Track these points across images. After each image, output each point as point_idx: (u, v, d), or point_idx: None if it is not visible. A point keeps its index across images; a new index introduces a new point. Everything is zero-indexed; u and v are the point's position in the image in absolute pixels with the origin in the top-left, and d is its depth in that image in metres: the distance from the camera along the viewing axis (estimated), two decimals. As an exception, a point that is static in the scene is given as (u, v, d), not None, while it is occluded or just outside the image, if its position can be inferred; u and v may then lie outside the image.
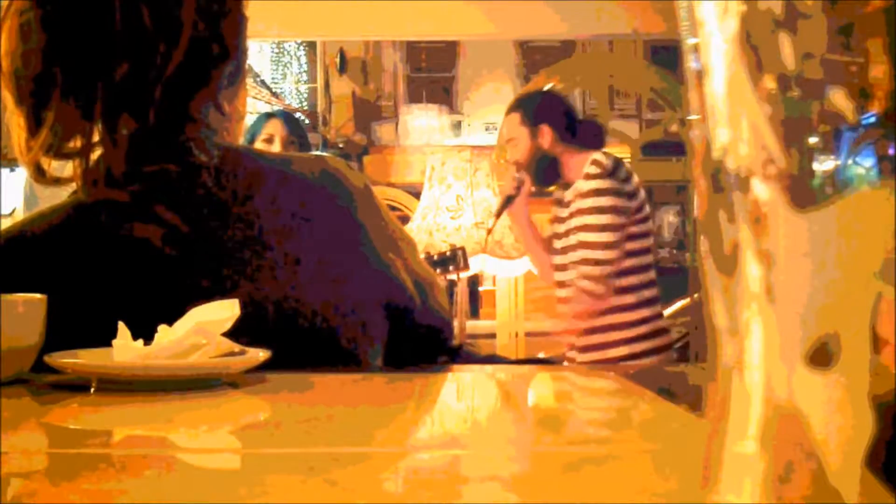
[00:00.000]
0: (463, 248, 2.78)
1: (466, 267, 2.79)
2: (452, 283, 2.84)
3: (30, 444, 0.56)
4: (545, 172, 2.60)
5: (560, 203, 2.62)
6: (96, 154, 0.90)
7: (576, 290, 2.51)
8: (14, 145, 0.90)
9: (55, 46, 0.88)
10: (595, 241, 2.45)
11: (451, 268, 2.74)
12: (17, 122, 0.89)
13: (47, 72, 0.88)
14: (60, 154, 0.90)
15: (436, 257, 2.74)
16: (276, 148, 2.63)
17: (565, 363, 2.61)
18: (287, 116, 2.88)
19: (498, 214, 2.70)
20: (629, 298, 2.51)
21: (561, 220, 2.60)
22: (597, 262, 2.46)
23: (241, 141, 1.08)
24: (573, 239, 2.53)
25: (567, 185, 2.58)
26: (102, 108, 0.88)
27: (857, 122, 0.17)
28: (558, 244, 2.62)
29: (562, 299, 2.63)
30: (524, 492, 0.44)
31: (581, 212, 2.48)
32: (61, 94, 0.88)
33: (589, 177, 2.48)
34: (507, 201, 2.66)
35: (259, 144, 2.64)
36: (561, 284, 2.62)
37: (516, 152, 2.62)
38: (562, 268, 2.60)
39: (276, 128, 2.69)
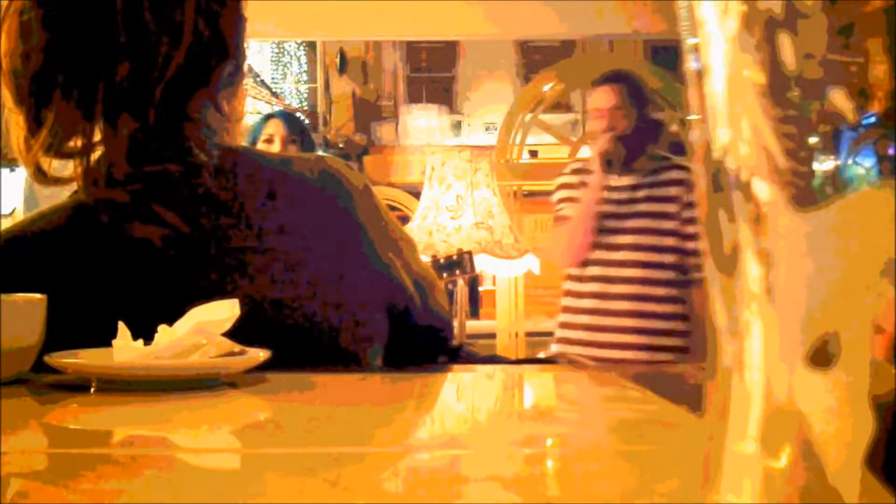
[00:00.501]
0: (469, 252, 2.77)
1: (473, 271, 2.79)
2: (452, 284, 2.84)
3: (30, 444, 0.56)
4: (622, 151, 2.59)
5: (614, 188, 2.58)
6: (96, 154, 0.90)
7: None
8: (13, 145, 0.90)
9: (56, 46, 0.88)
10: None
11: (457, 272, 2.74)
12: (16, 122, 0.89)
13: (48, 71, 0.88)
14: (61, 154, 0.90)
15: (442, 261, 2.73)
16: (275, 148, 2.63)
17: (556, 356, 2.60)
18: (287, 116, 2.87)
19: (603, 169, 2.59)
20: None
21: (619, 203, 2.56)
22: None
23: (242, 141, 1.08)
24: (652, 223, 2.51)
25: (629, 170, 2.57)
26: (103, 108, 0.88)
27: (857, 122, 0.17)
28: (624, 225, 2.55)
29: (576, 278, 2.58)
30: (524, 492, 0.44)
31: (689, 204, 2.46)
32: (62, 94, 0.88)
33: (682, 168, 2.52)
34: (609, 161, 2.57)
35: (259, 145, 2.65)
36: (585, 263, 2.57)
37: (621, 123, 2.57)
38: (618, 248, 2.54)
39: (276, 128, 2.69)
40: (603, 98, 2.64)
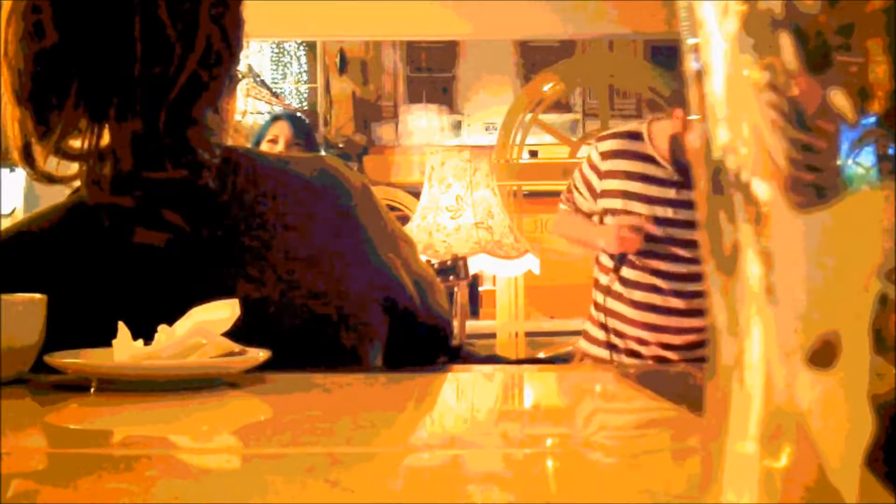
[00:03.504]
0: (464, 259, 2.75)
1: (467, 277, 2.75)
2: (449, 288, 2.83)
3: (30, 444, 0.56)
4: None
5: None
6: (102, 156, 0.89)
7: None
8: (11, 144, 0.90)
9: (69, 47, 0.87)
10: None
11: (451, 277, 2.71)
12: (18, 120, 0.89)
13: (59, 72, 0.88)
14: (65, 155, 0.90)
15: (436, 266, 2.72)
16: (279, 149, 2.64)
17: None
18: (293, 119, 2.88)
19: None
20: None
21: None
22: None
23: (242, 141, 1.08)
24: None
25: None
26: (116, 111, 0.88)
27: (857, 122, 0.17)
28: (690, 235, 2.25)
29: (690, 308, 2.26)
30: (524, 492, 0.44)
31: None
32: (76, 95, 0.87)
33: None
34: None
35: (264, 145, 2.66)
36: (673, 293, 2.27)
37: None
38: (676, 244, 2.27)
39: (281, 129, 2.70)
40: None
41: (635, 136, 2.30)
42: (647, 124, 2.34)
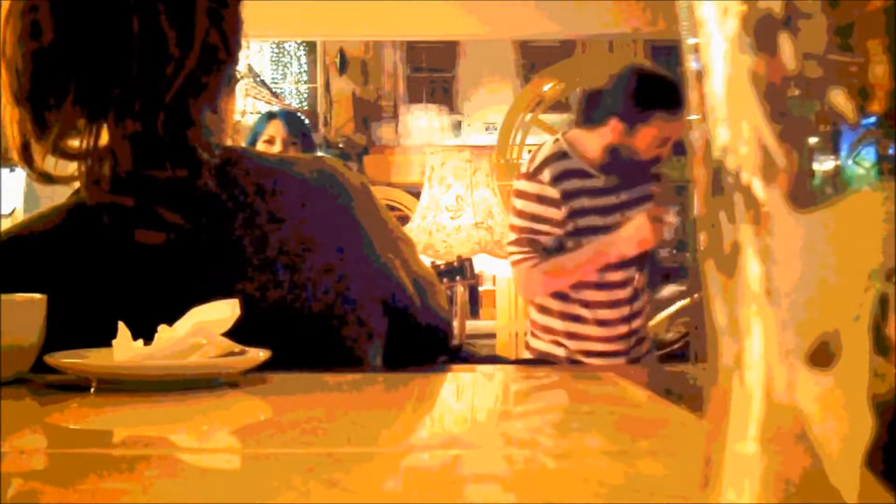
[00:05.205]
0: (469, 260, 2.75)
1: (473, 278, 2.75)
2: (451, 290, 2.83)
3: (30, 444, 0.56)
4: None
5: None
6: (101, 155, 0.90)
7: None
8: (10, 144, 0.90)
9: (67, 47, 0.87)
10: None
11: (457, 278, 2.71)
12: (16, 120, 0.89)
13: (57, 72, 0.88)
14: (64, 154, 0.90)
15: (443, 267, 2.72)
16: (276, 149, 2.63)
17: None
18: (289, 117, 2.86)
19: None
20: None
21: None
22: None
23: (240, 141, 1.09)
24: None
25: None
26: (115, 112, 0.88)
27: (857, 122, 0.17)
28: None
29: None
30: (524, 492, 0.44)
31: None
32: (73, 95, 0.87)
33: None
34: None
35: (260, 146, 2.65)
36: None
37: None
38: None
39: (276, 129, 2.69)
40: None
41: (563, 154, 2.27)
42: (562, 140, 2.32)
